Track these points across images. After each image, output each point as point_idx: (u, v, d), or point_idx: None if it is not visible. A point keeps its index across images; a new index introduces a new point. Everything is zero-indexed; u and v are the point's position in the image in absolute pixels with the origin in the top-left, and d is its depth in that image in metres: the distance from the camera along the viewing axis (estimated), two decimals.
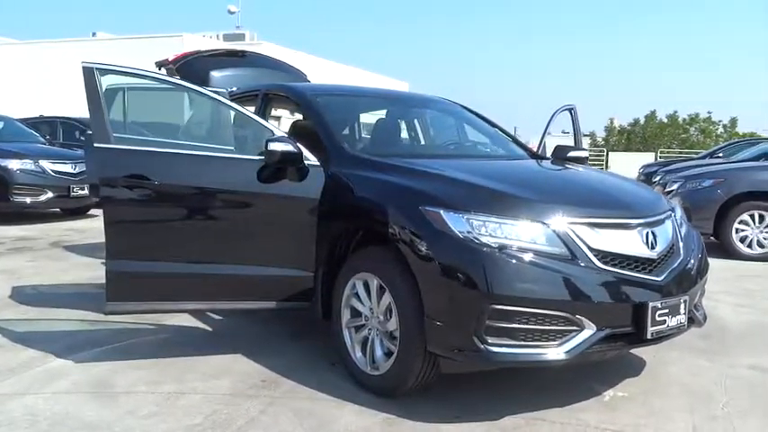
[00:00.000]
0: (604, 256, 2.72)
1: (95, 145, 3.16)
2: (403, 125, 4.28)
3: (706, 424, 2.80)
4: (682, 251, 3.02)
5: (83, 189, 9.78)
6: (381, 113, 4.21)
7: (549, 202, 2.81)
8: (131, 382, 3.17)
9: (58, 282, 5.37)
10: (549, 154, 4.20)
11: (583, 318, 2.63)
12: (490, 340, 2.58)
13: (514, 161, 3.86)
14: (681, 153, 32.63)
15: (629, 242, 2.80)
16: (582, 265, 2.67)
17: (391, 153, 3.60)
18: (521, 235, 2.66)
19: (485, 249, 2.61)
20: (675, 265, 2.92)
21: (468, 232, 2.64)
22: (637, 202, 3.06)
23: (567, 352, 2.61)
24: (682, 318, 2.85)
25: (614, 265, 2.73)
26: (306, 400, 2.98)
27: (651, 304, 2.71)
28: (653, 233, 2.89)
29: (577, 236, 2.70)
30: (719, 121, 37.79)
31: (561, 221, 2.71)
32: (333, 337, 3.29)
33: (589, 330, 2.64)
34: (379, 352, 3.01)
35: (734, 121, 37.10)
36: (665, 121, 38.53)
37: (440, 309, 2.67)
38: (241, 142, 3.53)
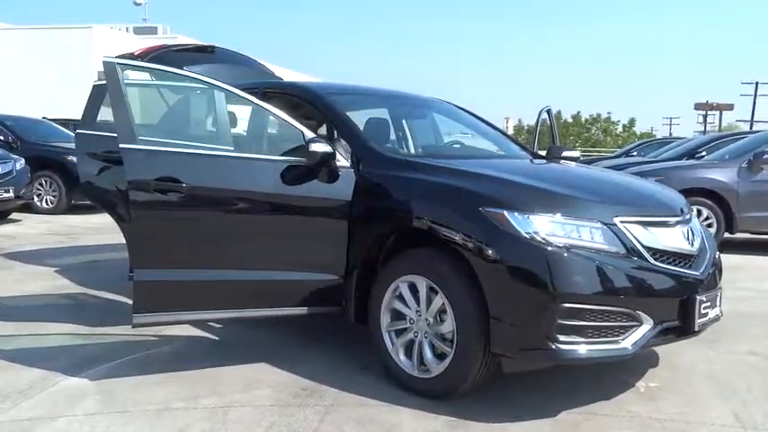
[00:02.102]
0: (655, 252, 2.83)
1: (121, 146, 2.95)
2: (411, 125, 4.27)
3: (743, 409, 2.98)
4: (707, 246, 3.19)
5: (7, 192, 9.08)
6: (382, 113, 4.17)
7: (604, 202, 2.90)
8: (164, 397, 2.97)
9: (19, 293, 4.95)
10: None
11: (641, 313, 2.73)
12: (561, 338, 2.63)
13: (533, 160, 3.92)
14: (585, 152, 34.33)
15: (674, 239, 2.93)
16: (638, 262, 2.76)
17: (420, 153, 3.56)
18: (582, 234, 2.73)
19: (552, 249, 2.65)
20: (707, 258, 3.09)
21: (535, 233, 2.67)
22: (670, 201, 3.20)
23: (632, 345, 2.70)
24: (718, 309, 3.02)
25: (663, 261, 2.85)
26: (358, 407, 2.91)
27: (698, 297, 2.85)
28: (690, 230, 3.04)
29: (632, 234, 2.79)
30: (618, 121, 40.22)
31: (617, 220, 2.79)
32: (373, 341, 3.23)
33: (647, 325, 2.75)
34: (429, 355, 2.98)
35: (632, 121, 39.59)
36: (570, 120, 40.55)
37: (507, 310, 2.69)
38: (269, 143, 3.39)
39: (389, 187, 3.19)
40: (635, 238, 2.79)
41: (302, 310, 3.29)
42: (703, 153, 9.98)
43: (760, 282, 6.07)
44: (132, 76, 3.22)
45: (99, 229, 8.64)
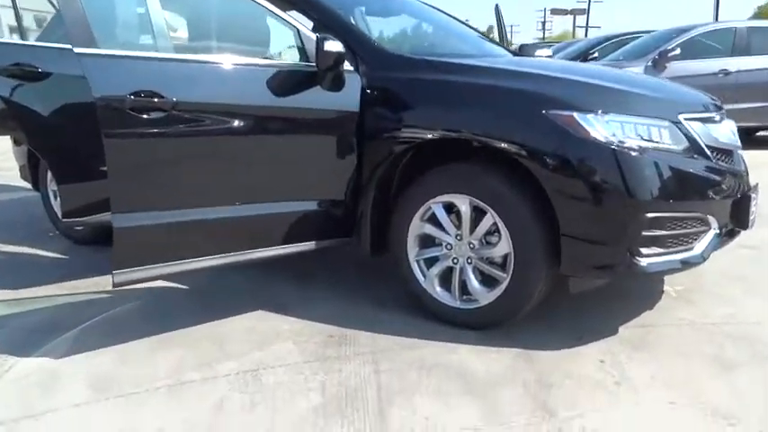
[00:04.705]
0: (713, 150, 2.61)
1: (77, 51, 2.18)
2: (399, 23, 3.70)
3: None
4: None
5: None
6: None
7: (666, 99, 2.62)
8: (169, 369, 2.39)
9: None
10: None
11: (709, 216, 2.54)
12: (644, 252, 2.37)
13: (543, 59, 3.55)
14: None
15: (724, 134, 2.73)
16: (705, 162, 2.53)
17: (428, 52, 3.06)
18: (653, 134, 2.43)
19: (630, 153, 2.33)
20: (740, 155, 2.95)
21: (613, 135, 2.34)
22: (707, 97, 2.98)
23: (702, 252, 2.51)
24: (755, 207, 2.91)
25: (720, 160, 2.64)
26: (409, 351, 2.51)
27: (752, 195, 2.70)
28: (730, 125, 2.86)
29: (695, 132, 2.54)
30: (477, 28, 40.81)
31: (681, 118, 2.53)
32: (402, 274, 2.81)
33: (714, 229, 2.56)
34: (475, 282, 2.63)
35: (490, 29, 40.31)
36: None
37: (585, 226, 2.36)
38: (263, 45, 2.72)
39: (412, 93, 2.69)
40: (698, 135, 2.55)
41: (309, 246, 2.79)
42: (596, 54, 10.18)
43: None
44: None
45: None
